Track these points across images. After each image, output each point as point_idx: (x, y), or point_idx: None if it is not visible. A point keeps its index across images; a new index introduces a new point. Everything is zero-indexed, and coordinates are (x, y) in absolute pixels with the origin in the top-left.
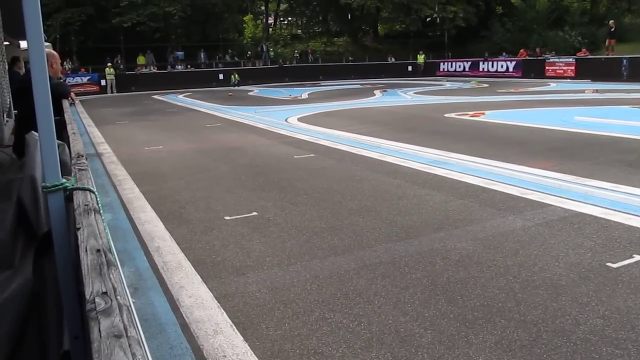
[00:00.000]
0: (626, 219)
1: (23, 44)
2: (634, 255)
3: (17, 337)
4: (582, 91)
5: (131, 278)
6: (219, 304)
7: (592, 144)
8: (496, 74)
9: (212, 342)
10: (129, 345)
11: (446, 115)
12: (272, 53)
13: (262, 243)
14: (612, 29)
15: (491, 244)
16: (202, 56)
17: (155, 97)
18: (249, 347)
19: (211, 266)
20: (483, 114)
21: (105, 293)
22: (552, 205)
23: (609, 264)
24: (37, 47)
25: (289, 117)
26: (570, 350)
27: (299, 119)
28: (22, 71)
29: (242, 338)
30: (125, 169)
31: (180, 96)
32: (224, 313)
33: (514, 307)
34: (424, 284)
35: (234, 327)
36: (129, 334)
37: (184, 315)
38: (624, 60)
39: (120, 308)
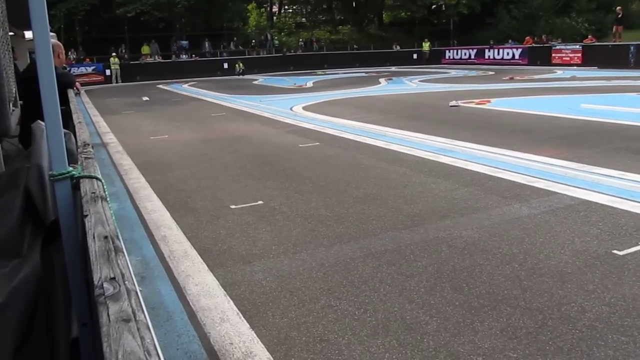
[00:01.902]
0: (632, 206)
1: (28, 34)
2: None
3: (26, 325)
4: (589, 78)
5: (138, 267)
6: (225, 292)
7: (599, 131)
8: (502, 62)
9: (218, 329)
10: (138, 329)
11: (451, 103)
12: (276, 42)
13: (267, 231)
14: (620, 16)
15: (497, 231)
16: (207, 45)
17: (160, 86)
18: (255, 335)
19: (217, 255)
20: (489, 101)
21: (114, 279)
22: (558, 193)
23: (615, 251)
24: (42, 37)
25: (294, 106)
26: (575, 338)
27: (304, 108)
28: (17, 61)
29: (248, 326)
30: (131, 158)
31: (185, 85)
32: (231, 301)
33: (520, 295)
34: (429, 271)
35: (241, 315)
36: (137, 318)
37: (190, 304)
38: (631, 47)
39: (129, 293)
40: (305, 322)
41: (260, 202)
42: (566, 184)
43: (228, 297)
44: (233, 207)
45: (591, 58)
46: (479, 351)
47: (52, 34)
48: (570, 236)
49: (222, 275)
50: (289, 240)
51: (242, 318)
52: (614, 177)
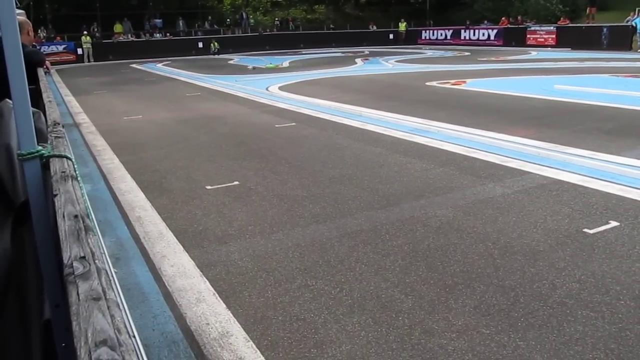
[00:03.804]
0: (603, 186)
1: None
2: (610, 221)
3: None
4: (563, 60)
5: (113, 248)
6: (201, 273)
7: (571, 112)
8: (477, 42)
9: (195, 310)
10: (108, 308)
11: (427, 83)
12: (252, 21)
13: (243, 212)
14: None
15: (471, 211)
16: (181, 24)
17: (134, 66)
18: (231, 315)
19: (193, 235)
20: (464, 82)
21: (84, 257)
22: (531, 172)
23: (585, 230)
24: (8, 12)
25: (269, 86)
26: (546, 314)
27: (280, 88)
28: None
29: (224, 306)
30: (104, 139)
31: (159, 65)
32: (207, 281)
33: (493, 273)
34: (404, 250)
35: (217, 295)
36: (107, 297)
37: (166, 284)
38: (604, 29)
39: (99, 272)
40: (281, 301)
41: (236, 182)
42: (539, 164)
43: (204, 278)
44: (208, 187)
45: (565, 39)
46: (452, 328)
47: (20, 11)
48: (542, 215)
49: (197, 256)
50: (265, 220)
51: (219, 298)
52: (585, 157)
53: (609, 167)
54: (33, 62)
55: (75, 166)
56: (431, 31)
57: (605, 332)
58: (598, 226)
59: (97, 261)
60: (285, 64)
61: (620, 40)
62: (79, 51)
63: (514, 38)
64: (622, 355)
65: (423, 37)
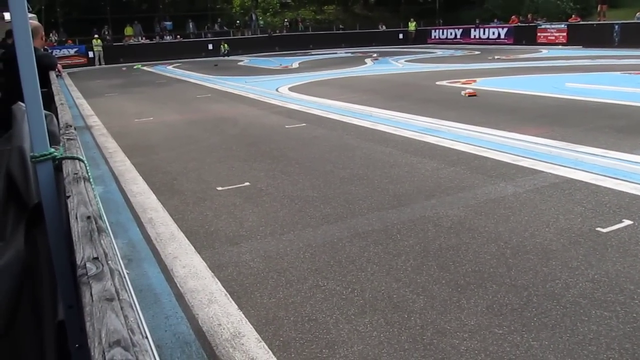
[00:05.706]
0: (616, 184)
1: (7, 16)
2: (624, 220)
3: (12, 309)
4: (574, 57)
5: (125, 249)
6: (213, 274)
7: (583, 110)
8: (488, 41)
9: (206, 311)
10: (121, 308)
11: (438, 83)
12: (261, 22)
13: (254, 213)
14: None
15: (482, 210)
16: (191, 26)
17: (144, 68)
18: (243, 316)
19: (204, 236)
20: (474, 81)
21: (97, 258)
22: (543, 171)
23: (598, 228)
24: (20, 17)
25: (279, 87)
26: (560, 314)
27: (290, 89)
28: None
29: (236, 307)
30: (115, 141)
31: (170, 67)
32: (218, 282)
33: (505, 272)
34: (416, 250)
35: (229, 296)
36: (120, 297)
37: (178, 285)
38: (616, 26)
39: (112, 272)
40: (293, 302)
41: (247, 183)
42: (551, 163)
43: (216, 279)
44: (219, 188)
45: (576, 37)
46: (465, 328)
47: (32, 15)
48: (554, 214)
49: (209, 257)
50: (276, 221)
51: (230, 299)
52: (597, 155)
53: (622, 165)
54: (45, 66)
55: (88, 168)
56: (441, 30)
57: (620, 332)
58: (611, 225)
59: (110, 262)
60: (295, 64)
61: (632, 37)
62: (90, 54)
63: (525, 36)
64: (637, 355)
65: (433, 37)
